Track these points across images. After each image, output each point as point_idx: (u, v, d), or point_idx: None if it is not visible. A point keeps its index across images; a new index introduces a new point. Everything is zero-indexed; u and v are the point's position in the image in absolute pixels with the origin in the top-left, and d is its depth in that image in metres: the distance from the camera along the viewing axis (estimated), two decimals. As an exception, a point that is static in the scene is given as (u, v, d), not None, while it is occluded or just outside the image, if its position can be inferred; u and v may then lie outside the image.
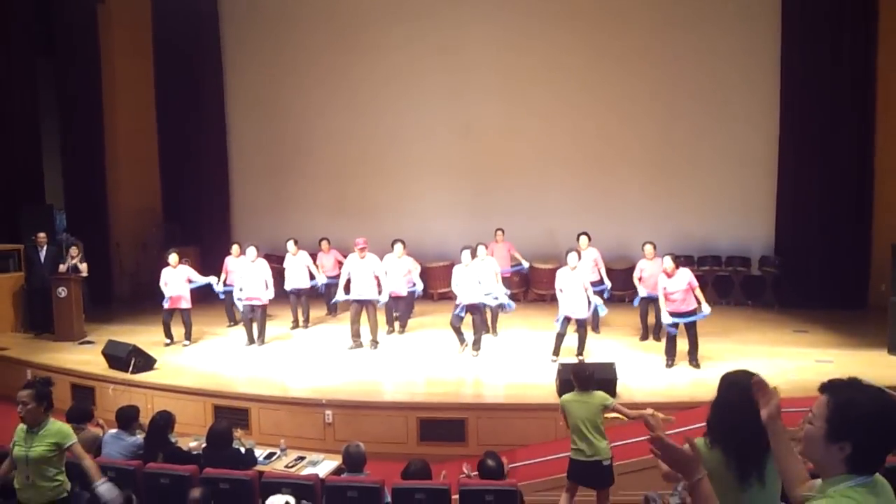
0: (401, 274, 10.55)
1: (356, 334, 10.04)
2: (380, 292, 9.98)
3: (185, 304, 10.34)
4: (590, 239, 10.32)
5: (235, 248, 11.20)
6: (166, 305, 10.29)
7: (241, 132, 15.00)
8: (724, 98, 12.71)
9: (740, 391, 2.88)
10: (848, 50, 11.75)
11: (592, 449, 5.75)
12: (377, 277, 10.01)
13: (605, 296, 10.08)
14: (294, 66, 14.38)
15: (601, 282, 10.31)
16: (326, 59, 14.16)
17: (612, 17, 12.95)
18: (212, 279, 10.92)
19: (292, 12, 14.30)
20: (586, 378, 5.99)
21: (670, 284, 8.50)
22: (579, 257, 9.11)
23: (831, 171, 11.93)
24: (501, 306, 10.06)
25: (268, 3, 14.45)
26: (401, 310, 11.00)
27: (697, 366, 8.60)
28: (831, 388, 2.18)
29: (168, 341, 10.38)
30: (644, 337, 10.26)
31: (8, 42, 12.26)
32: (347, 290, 10.10)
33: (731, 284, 12.56)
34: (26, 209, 12.20)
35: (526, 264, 11.79)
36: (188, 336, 10.45)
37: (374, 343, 10.02)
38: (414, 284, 10.81)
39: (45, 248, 11.34)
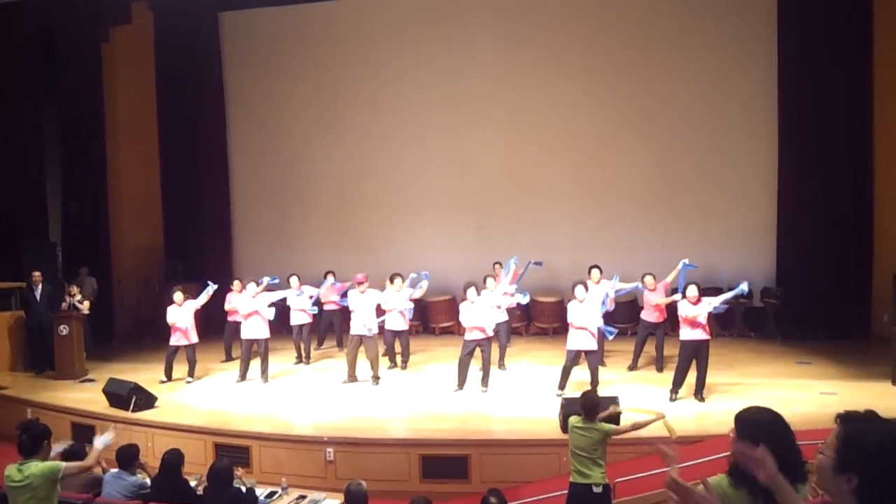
0: (400, 308, 10.52)
1: (353, 370, 10.04)
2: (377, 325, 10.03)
3: (193, 339, 10.33)
4: (601, 272, 10.31)
5: (237, 284, 11.22)
6: (173, 342, 10.27)
7: (243, 168, 15.12)
8: (723, 129, 12.79)
9: (761, 429, 2.84)
10: (845, 80, 11.83)
11: (584, 475, 5.84)
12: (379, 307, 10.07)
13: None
14: (294, 101, 14.54)
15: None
16: (327, 94, 14.32)
17: (610, 51, 13.10)
18: (209, 288, 10.68)
19: (292, 47, 14.50)
20: (592, 407, 6.03)
21: (691, 311, 8.47)
22: (586, 289, 9.08)
23: (831, 200, 11.95)
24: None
25: (268, 38, 14.66)
26: (402, 345, 10.98)
27: (702, 399, 8.54)
28: (845, 418, 2.15)
29: (165, 379, 10.29)
30: (633, 367, 10.31)
31: (13, 80, 12.40)
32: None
33: (733, 316, 12.49)
34: (29, 247, 12.22)
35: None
36: (191, 373, 10.41)
37: (375, 379, 9.96)
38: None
39: (39, 286, 11.31)
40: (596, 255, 11.85)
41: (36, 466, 4.64)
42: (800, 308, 12.02)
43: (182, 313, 10.25)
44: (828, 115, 11.90)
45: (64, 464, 4.83)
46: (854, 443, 2.07)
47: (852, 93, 11.85)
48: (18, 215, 12.44)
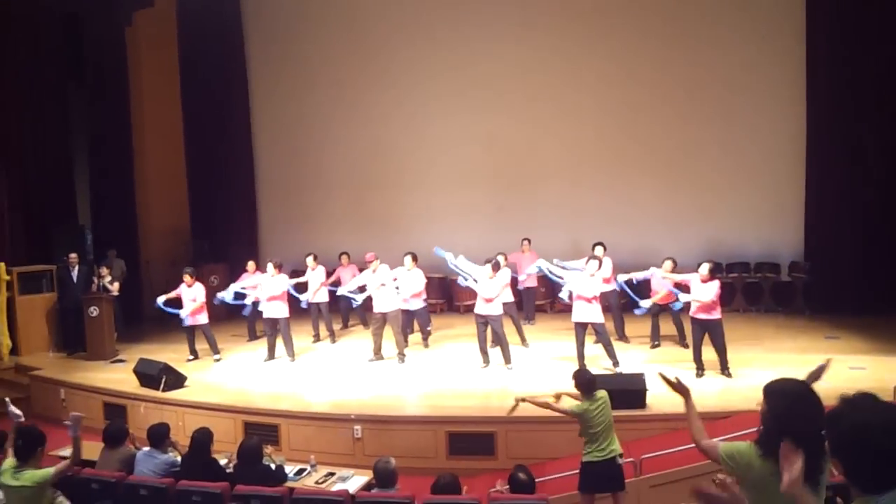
0: (414, 287, 10.49)
1: (378, 348, 10.13)
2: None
3: (203, 319, 10.42)
4: (605, 249, 10.25)
5: (251, 265, 11.42)
6: (185, 323, 10.39)
7: (267, 149, 15.20)
8: (749, 103, 12.59)
9: (790, 400, 2.81)
10: (874, 50, 11.55)
11: (611, 447, 5.86)
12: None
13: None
14: (317, 82, 14.55)
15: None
16: (350, 75, 14.31)
17: (632, 28, 12.92)
18: (246, 308, 10.95)
19: (315, 29, 14.48)
20: (588, 381, 6.02)
21: (699, 291, 8.42)
22: (600, 265, 9.09)
23: (860, 173, 11.74)
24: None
25: (291, 22, 14.65)
26: (420, 324, 11.01)
27: (729, 375, 8.49)
28: (839, 400, 2.11)
29: (191, 357, 10.51)
30: (656, 344, 10.24)
31: (39, 67, 12.50)
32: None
33: (761, 291, 12.42)
34: (57, 230, 12.41)
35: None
36: (215, 350, 10.54)
37: (401, 356, 10.03)
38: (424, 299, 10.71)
39: (76, 268, 11.52)
40: (621, 231, 11.86)
41: (27, 477, 4.60)
42: (828, 282, 11.88)
43: (189, 294, 10.34)
44: (857, 86, 11.64)
45: (53, 470, 4.74)
46: (832, 428, 2.05)
47: (882, 65, 11.54)
48: (47, 199, 12.60)
